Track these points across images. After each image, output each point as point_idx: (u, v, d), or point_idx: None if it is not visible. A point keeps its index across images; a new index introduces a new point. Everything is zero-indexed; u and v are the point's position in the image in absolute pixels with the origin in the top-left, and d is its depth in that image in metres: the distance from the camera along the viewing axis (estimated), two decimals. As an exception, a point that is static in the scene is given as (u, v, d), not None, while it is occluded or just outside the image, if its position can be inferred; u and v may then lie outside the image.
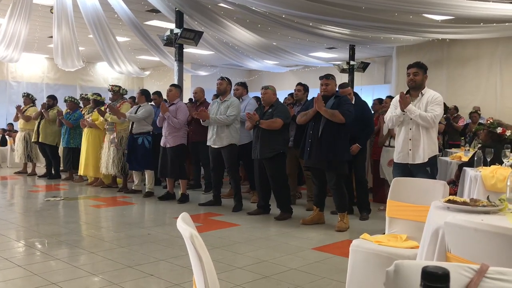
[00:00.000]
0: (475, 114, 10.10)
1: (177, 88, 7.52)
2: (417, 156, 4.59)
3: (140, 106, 7.84)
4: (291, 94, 7.86)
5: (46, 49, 14.48)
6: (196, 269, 1.52)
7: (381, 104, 7.65)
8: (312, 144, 5.42)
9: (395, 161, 4.83)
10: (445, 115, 7.79)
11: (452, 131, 10.04)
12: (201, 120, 6.79)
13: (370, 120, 6.25)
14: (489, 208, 2.41)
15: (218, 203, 6.90)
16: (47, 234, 5.19)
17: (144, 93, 8.04)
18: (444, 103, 8.46)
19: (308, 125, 5.58)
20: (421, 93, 4.62)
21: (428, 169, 4.56)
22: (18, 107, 10.38)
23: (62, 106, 10.19)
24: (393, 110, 4.77)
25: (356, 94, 6.31)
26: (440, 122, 5.41)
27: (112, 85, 8.43)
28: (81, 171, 8.92)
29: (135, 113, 7.74)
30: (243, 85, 7.42)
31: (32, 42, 12.16)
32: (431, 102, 4.54)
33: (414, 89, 4.65)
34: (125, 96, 8.53)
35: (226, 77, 6.84)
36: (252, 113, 6.07)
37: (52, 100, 10.07)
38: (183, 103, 7.46)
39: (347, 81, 13.35)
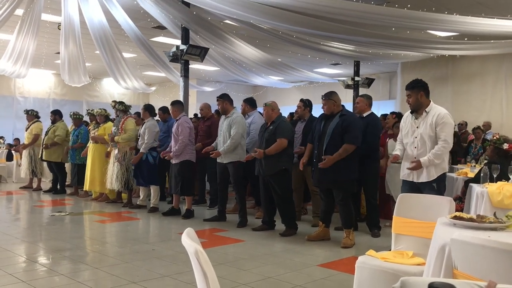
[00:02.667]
0: (478, 130, 10.03)
1: (176, 105, 7.46)
2: (421, 176, 4.56)
3: (144, 122, 7.90)
4: (292, 113, 7.91)
5: (53, 65, 14.63)
6: (201, 285, 1.52)
7: (385, 121, 7.63)
8: (317, 164, 5.43)
9: (401, 178, 4.81)
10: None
11: (459, 148, 9.95)
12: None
13: (372, 136, 6.01)
14: (496, 225, 2.39)
15: (223, 218, 6.89)
16: (51, 249, 5.18)
17: (148, 108, 8.08)
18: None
19: (313, 146, 5.61)
20: (425, 111, 4.56)
21: (435, 185, 4.51)
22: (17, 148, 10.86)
23: (68, 121, 10.27)
24: (401, 139, 4.79)
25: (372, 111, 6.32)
26: None
27: (115, 102, 8.45)
28: (86, 186, 8.93)
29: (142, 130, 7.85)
30: (247, 101, 7.44)
31: (40, 58, 12.28)
32: (438, 124, 4.47)
33: (415, 109, 4.62)
34: (129, 111, 8.55)
35: (221, 96, 6.83)
36: (257, 151, 6.00)
37: (53, 115, 10.15)
38: (185, 118, 7.39)
39: (352, 96, 13.40)
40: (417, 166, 4.51)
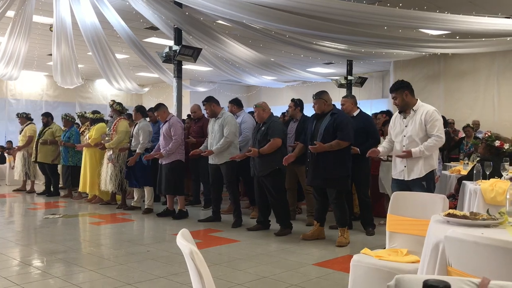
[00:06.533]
0: (468, 128, 10.08)
1: (161, 108, 7.38)
2: (412, 174, 4.59)
3: (137, 123, 7.88)
4: (283, 114, 7.92)
5: (45, 66, 14.54)
6: (196, 286, 1.52)
7: (376, 119, 7.65)
8: (310, 163, 5.45)
9: (392, 176, 4.84)
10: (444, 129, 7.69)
11: (452, 145, 9.97)
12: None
13: (374, 133, 6.18)
14: (489, 222, 2.40)
15: (217, 219, 6.88)
16: (45, 252, 5.15)
17: (140, 109, 8.06)
18: (444, 117, 8.42)
19: (306, 146, 5.63)
20: (413, 109, 4.60)
21: (424, 183, 4.54)
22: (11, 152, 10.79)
23: (60, 123, 10.23)
24: (389, 139, 4.86)
25: (359, 109, 6.36)
26: None
27: (113, 101, 8.45)
28: (81, 188, 8.92)
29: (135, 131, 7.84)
30: (234, 102, 7.44)
31: (32, 60, 12.20)
32: (428, 121, 4.50)
33: (403, 109, 4.65)
34: (123, 113, 8.54)
35: (206, 100, 6.76)
36: (251, 150, 6.03)
37: (46, 117, 10.11)
38: (175, 118, 7.39)
39: (346, 95, 13.42)
40: (407, 154, 4.54)
